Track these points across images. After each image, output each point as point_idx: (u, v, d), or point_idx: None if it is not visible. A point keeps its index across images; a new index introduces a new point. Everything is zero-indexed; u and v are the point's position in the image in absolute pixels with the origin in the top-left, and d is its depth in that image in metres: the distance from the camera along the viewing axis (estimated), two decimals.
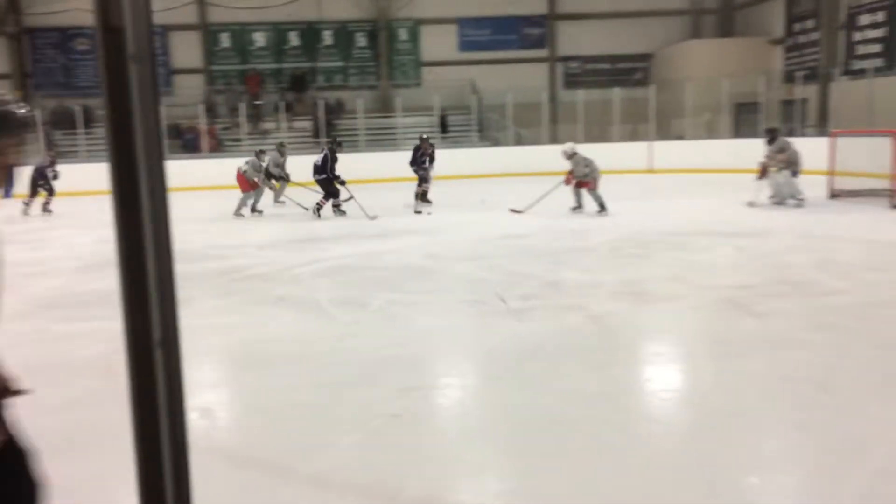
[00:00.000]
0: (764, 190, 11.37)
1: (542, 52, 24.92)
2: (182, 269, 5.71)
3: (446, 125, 22.02)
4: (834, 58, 19.54)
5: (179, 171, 17.80)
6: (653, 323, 5.55)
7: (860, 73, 18.03)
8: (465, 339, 5.28)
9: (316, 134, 21.38)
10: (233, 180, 13.10)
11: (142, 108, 0.86)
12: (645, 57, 25.08)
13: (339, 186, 12.17)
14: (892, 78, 16.88)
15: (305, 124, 22.28)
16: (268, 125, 22.18)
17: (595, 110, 21.22)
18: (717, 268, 7.23)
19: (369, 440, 3.53)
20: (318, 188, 12.44)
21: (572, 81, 24.64)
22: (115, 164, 0.86)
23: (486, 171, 18.95)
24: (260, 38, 23.92)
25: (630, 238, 8.91)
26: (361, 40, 24.34)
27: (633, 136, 20.66)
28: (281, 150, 13.75)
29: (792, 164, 11.19)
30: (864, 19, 18.73)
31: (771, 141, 11.41)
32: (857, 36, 18.99)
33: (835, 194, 12.15)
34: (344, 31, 24.15)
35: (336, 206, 12.33)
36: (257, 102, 22.48)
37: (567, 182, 11.43)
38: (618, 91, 20.81)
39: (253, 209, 13.01)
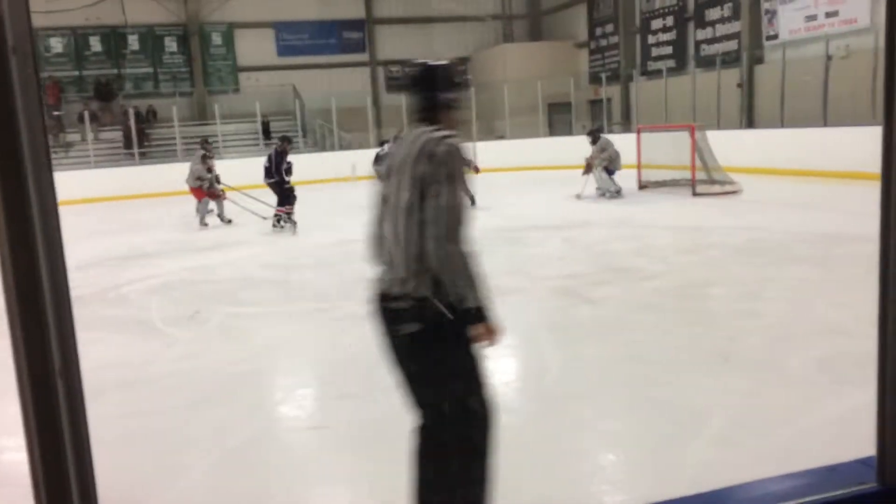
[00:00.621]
0: (590, 184, 12.08)
1: (363, 57, 24.98)
2: None
3: (269, 131, 21.47)
4: (633, 60, 21.16)
5: None
6: (499, 315, 5.70)
7: (656, 73, 19.65)
8: (314, 348, 5.18)
9: (128, 144, 20.07)
10: None
11: (25, 107, 0.77)
12: (462, 60, 25.81)
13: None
14: (683, 77, 18.54)
15: (114, 135, 20.86)
16: (71, 137, 20.52)
17: None
18: (551, 259, 7.58)
19: (223, 463, 3.37)
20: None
21: (394, 85, 24.89)
22: None
23: (316, 176, 18.66)
24: (56, 44, 22.08)
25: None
26: (171, 45, 23.16)
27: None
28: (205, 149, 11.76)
29: (612, 162, 11.99)
30: (656, 24, 20.42)
31: (594, 141, 12.15)
32: (651, 39, 20.68)
33: (643, 185, 13.14)
34: (151, 36, 22.87)
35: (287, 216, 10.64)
36: (57, 113, 20.71)
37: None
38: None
39: (220, 218, 11.60)
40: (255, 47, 23.71)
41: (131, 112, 20.06)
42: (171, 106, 20.44)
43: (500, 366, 4.74)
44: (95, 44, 22.44)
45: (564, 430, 3.53)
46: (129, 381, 4.54)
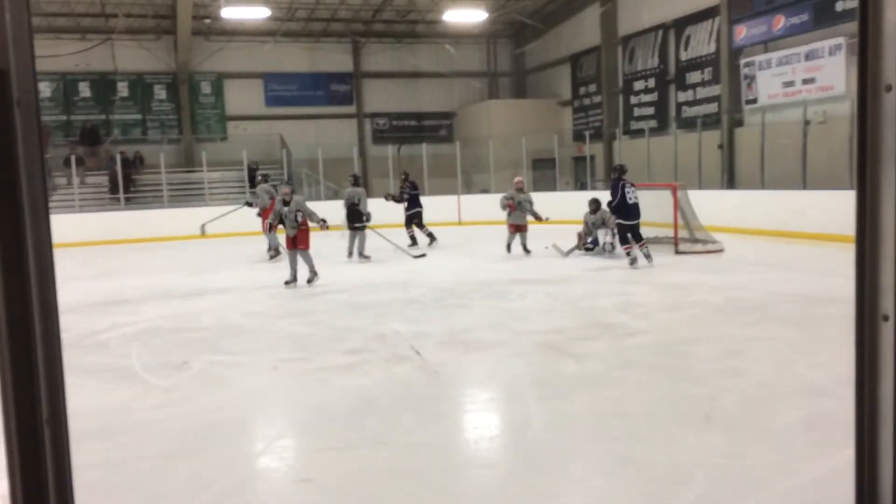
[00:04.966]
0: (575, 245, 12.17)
1: (350, 109, 25.28)
2: None
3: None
4: (616, 119, 21.55)
5: None
6: (481, 369, 5.70)
7: (639, 132, 20.01)
8: (296, 397, 5.12)
9: (114, 189, 20.03)
10: None
11: (27, 157, 0.78)
12: (448, 115, 26.22)
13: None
14: (665, 137, 18.88)
15: (101, 179, 20.83)
16: (57, 180, 20.48)
17: (404, 165, 21.76)
18: (534, 314, 7.59)
19: None
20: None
21: (380, 137, 25.17)
22: None
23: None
24: (45, 89, 22.16)
25: (448, 289, 9.14)
26: (161, 93, 23.33)
27: (442, 190, 21.44)
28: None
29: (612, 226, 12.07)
30: (638, 85, 20.88)
31: (594, 211, 12.14)
32: (634, 100, 21.12)
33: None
34: (141, 83, 23.04)
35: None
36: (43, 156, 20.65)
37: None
38: (425, 147, 21.51)
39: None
40: (243, 97, 23.95)
41: (118, 157, 20.06)
42: (158, 152, 20.50)
43: (483, 420, 4.72)
44: (85, 89, 22.55)
45: (546, 486, 3.49)
46: (105, 429, 4.45)
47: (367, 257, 12.14)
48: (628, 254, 10.66)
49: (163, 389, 5.27)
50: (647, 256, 10.72)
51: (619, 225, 10.89)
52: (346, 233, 12.34)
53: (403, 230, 14.26)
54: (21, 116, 0.77)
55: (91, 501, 3.48)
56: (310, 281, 9.69)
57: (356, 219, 12.19)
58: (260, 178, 13.54)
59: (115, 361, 6.08)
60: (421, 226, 14.30)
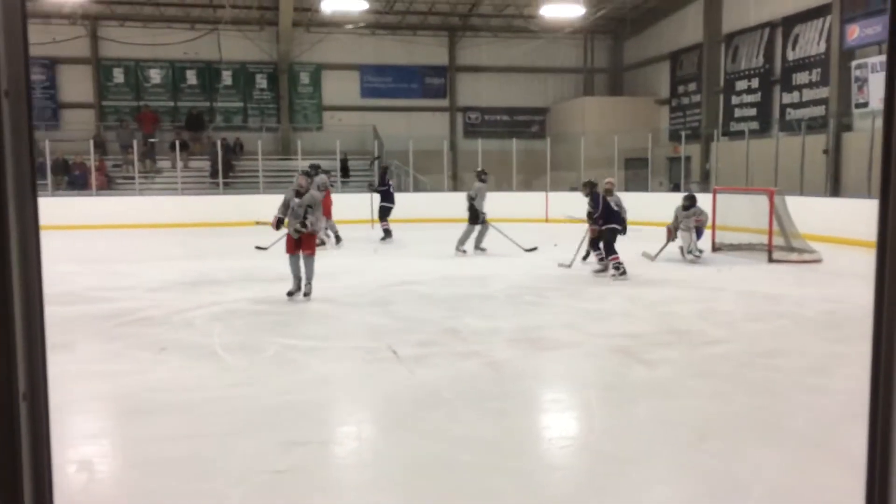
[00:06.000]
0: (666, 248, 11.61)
1: (443, 102, 25.41)
2: (63, 311, 5.36)
3: (348, 169, 21.97)
4: (715, 119, 20.83)
5: (64, 208, 17.00)
6: (549, 370, 5.64)
7: (738, 134, 19.27)
8: (361, 386, 5.21)
9: (214, 174, 20.86)
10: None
11: (14, 147, 0.81)
12: (541, 111, 25.98)
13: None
14: (766, 140, 18.11)
15: (203, 164, 21.74)
16: (162, 163, 21.51)
17: (494, 160, 21.72)
18: (610, 316, 7.44)
19: (256, 495, 3.39)
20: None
21: (472, 131, 25.19)
22: None
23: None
24: (155, 76, 23.30)
25: (527, 286, 9.07)
26: (262, 82, 24.10)
27: (530, 187, 21.30)
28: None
29: (702, 225, 11.65)
30: (741, 85, 20.11)
31: (688, 207, 11.60)
32: (735, 100, 20.35)
33: (717, 248, 12.79)
34: (244, 72, 23.86)
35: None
36: (151, 140, 21.76)
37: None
38: (516, 142, 21.41)
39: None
40: (340, 88, 24.44)
41: (219, 143, 20.87)
42: (257, 140, 21.20)
43: (544, 421, 4.67)
44: (191, 77, 23.56)
45: (606, 491, 3.43)
46: (178, 404, 4.66)
47: (462, 251, 12.22)
48: (616, 267, 9.77)
49: (237, 370, 5.46)
50: (604, 269, 10.04)
51: (611, 231, 10.11)
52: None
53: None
54: (9, 106, 0.80)
55: (152, 471, 3.65)
56: (306, 294, 8.17)
57: (471, 213, 12.33)
58: (319, 170, 13.78)
59: (197, 339, 6.34)
60: (383, 219, 14.67)
